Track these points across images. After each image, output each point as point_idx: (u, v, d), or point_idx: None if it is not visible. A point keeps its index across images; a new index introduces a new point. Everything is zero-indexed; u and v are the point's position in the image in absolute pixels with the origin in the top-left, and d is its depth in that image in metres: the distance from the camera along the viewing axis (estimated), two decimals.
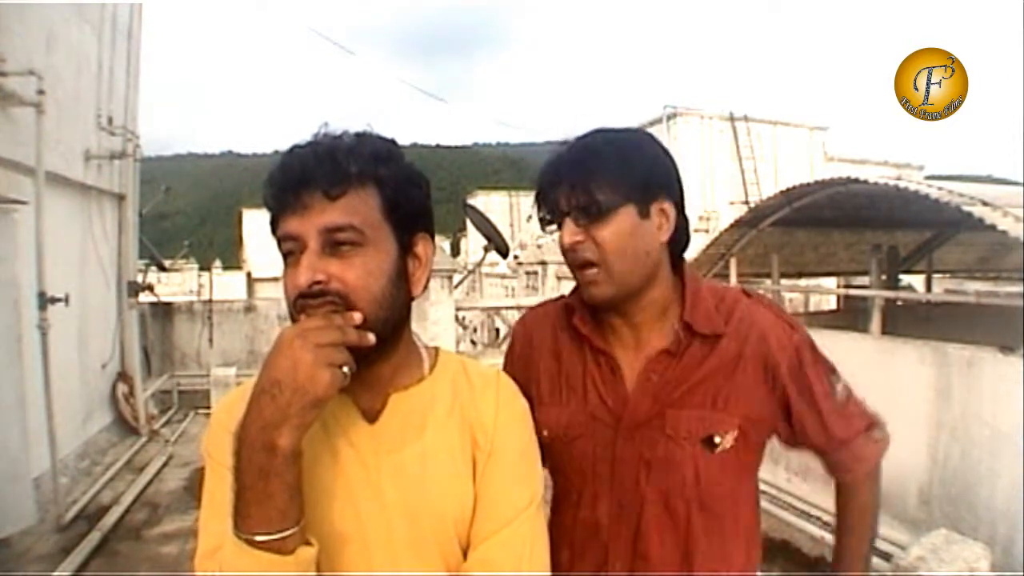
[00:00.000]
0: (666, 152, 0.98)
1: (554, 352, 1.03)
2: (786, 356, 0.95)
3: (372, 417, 0.78)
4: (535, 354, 1.05)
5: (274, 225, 0.75)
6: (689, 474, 0.94)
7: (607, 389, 0.98)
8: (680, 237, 0.98)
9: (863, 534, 1.08)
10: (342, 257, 0.71)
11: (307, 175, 0.71)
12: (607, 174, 0.90)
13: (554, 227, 0.96)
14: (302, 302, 0.71)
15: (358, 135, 0.76)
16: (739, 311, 0.98)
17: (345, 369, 0.66)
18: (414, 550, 0.75)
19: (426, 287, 0.83)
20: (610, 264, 0.91)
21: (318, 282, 0.70)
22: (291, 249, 0.72)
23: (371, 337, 0.69)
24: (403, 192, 0.75)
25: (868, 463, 1.04)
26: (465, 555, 0.77)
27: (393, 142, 0.79)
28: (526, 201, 23.43)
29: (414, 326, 0.84)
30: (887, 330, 4.01)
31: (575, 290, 1.01)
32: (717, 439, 0.94)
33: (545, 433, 0.99)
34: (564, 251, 0.94)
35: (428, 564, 0.76)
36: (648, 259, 0.94)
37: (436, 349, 0.87)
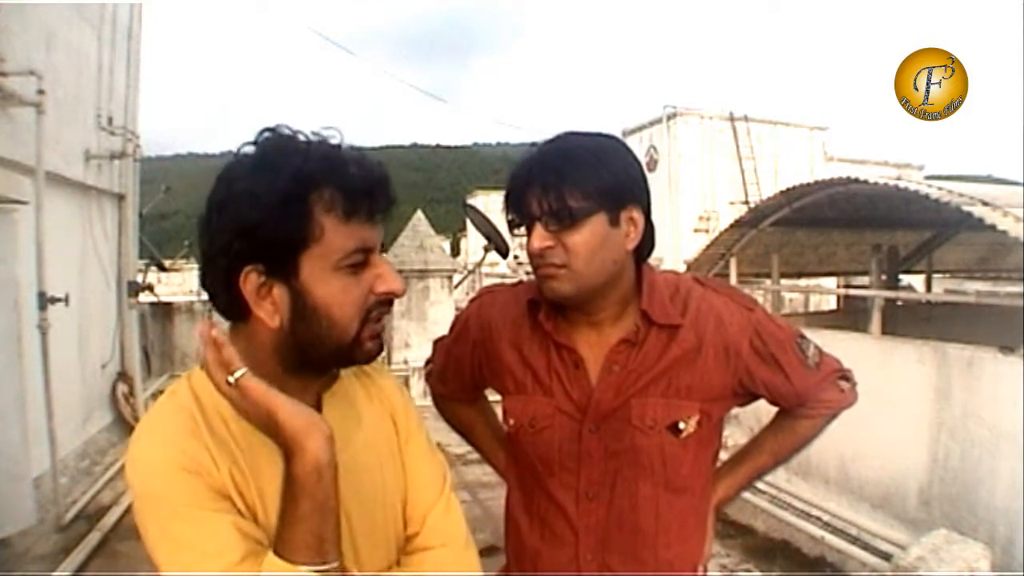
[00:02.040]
0: (636, 159, 0.98)
1: (514, 343, 1.04)
2: (746, 337, 0.98)
3: None
4: (495, 343, 1.06)
5: (310, 232, 0.70)
6: (656, 460, 0.97)
7: (571, 383, 0.99)
8: (646, 244, 0.99)
9: (780, 460, 1.12)
10: None
11: (384, 188, 0.74)
12: (580, 180, 0.90)
13: (522, 229, 0.96)
14: (383, 309, 0.75)
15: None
16: (694, 300, 1.00)
17: (231, 379, 0.66)
18: (371, 539, 0.77)
19: None
20: (575, 268, 0.92)
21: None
22: (362, 260, 0.73)
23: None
24: None
25: (830, 407, 1.06)
26: (405, 529, 0.81)
27: None
28: None
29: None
30: (887, 330, 4.01)
31: (535, 284, 1.02)
32: (682, 425, 0.96)
33: (511, 422, 1.03)
34: (531, 255, 0.95)
35: (382, 550, 0.79)
36: (614, 266, 0.95)
37: None
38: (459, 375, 1.13)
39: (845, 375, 1.08)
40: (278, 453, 0.68)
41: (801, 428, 1.08)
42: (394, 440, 0.84)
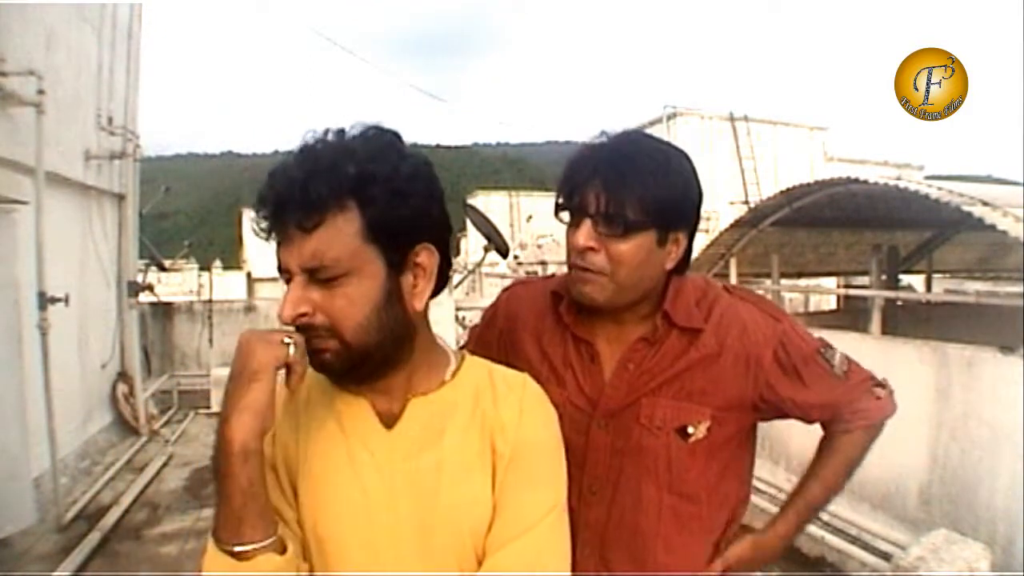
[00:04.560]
0: (697, 180, 0.96)
1: (536, 333, 1.04)
2: (770, 348, 0.96)
3: (390, 422, 0.77)
4: (518, 333, 1.06)
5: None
6: (662, 462, 0.96)
7: (585, 376, 0.99)
8: (683, 262, 0.98)
9: (831, 487, 1.06)
10: (325, 287, 0.70)
11: (282, 207, 0.69)
12: (643, 192, 0.88)
13: (566, 216, 0.95)
14: (299, 329, 0.72)
15: (350, 142, 0.72)
16: (720, 307, 0.98)
17: (286, 340, 0.67)
18: (425, 560, 0.74)
19: (437, 293, 0.78)
20: (615, 279, 0.92)
21: (302, 315, 0.69)
22: (285, 277, 0.71)
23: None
24: (391, 210, 0.70)
25: (868, 417, 1.02)
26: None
27: (391, 141, 0.74)
28: (526, 201, 23.32)
29: None
30: (887, 330, 4.01)
31: (564, 277, 1.01)
32: (691, 429, 0.95)
33: None
34: (572, 248, 0.93)
35: (434, 569, 0.74)
36: (650, 283, 0.95)
37: (464, 355, 0.85)
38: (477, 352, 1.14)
39: (879, 383, 1.03)
40: (335, 434, 0.75)
41: (842, 446, 1.02)
42: (481, 464, 0.76)
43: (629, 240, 0.89)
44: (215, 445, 0.65)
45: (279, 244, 0.70)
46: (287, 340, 0.67)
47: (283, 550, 0.68)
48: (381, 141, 0.73)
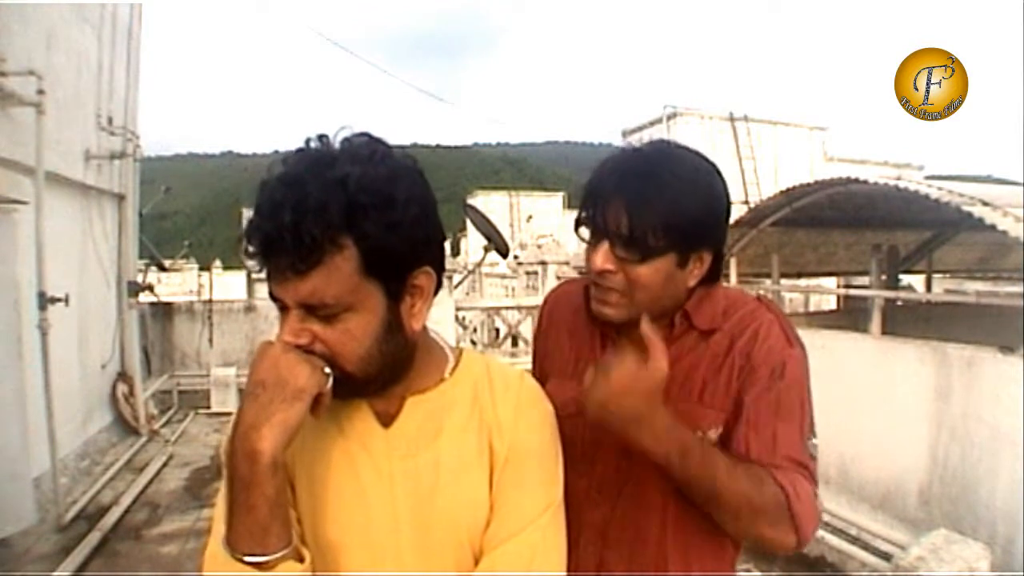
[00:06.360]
0: (726, 194, 0.93)
1: (570, 329, 1.04)
2: (770, 364, 0.90)
3: (387, 421, 0.77)
4: (552, 329, 1.08)
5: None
6: None
7: None
8: (709, 276, 0.95)
9: (726, 478, 0.83)
10: (323, 320, 0.68)
11: (274, 249, 0.65)
12: (664, 218, 0.85)
13: (586, 232, 0.93)
14: None
15: (338, 169, 0.66)
16: (743, 310, 0.96)
17: (327, 370, 0.68)
18: (423, 558, 0.74)
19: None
20: (633, 299, 0.90)
21: (302, 345, 0.68)
22: (279, 306, 0.70)
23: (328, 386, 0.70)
24: (388, 242, 0.67)
25: (790, 489, 0.84)
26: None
27: (381, 159, 0.69)
28: (526, 201, 23.31)
29: None
30: (887, 330, 4.01)
31: None
32: (699, 434, 0.91)
33: None
34: (590, 268, 0.91)
35: (435, 566, 0.74)
36: (670, 301, 0.93)
37: (461, 351, 0.84)
38: (534, 361, 1.14)
39: (809, 484, 0.86)
40: (333, 435, 0.75)
41: (756, 472, 0.84)
42: (479, 463, 0.76)
43: (648, 264, 0.88)
44: (237, 452, 0.64)
45: (270, 278, 0.68)
46: (328, 371, 0.68)
47: (301, 558, 0.68)
48: (370, 162, 0.68)
